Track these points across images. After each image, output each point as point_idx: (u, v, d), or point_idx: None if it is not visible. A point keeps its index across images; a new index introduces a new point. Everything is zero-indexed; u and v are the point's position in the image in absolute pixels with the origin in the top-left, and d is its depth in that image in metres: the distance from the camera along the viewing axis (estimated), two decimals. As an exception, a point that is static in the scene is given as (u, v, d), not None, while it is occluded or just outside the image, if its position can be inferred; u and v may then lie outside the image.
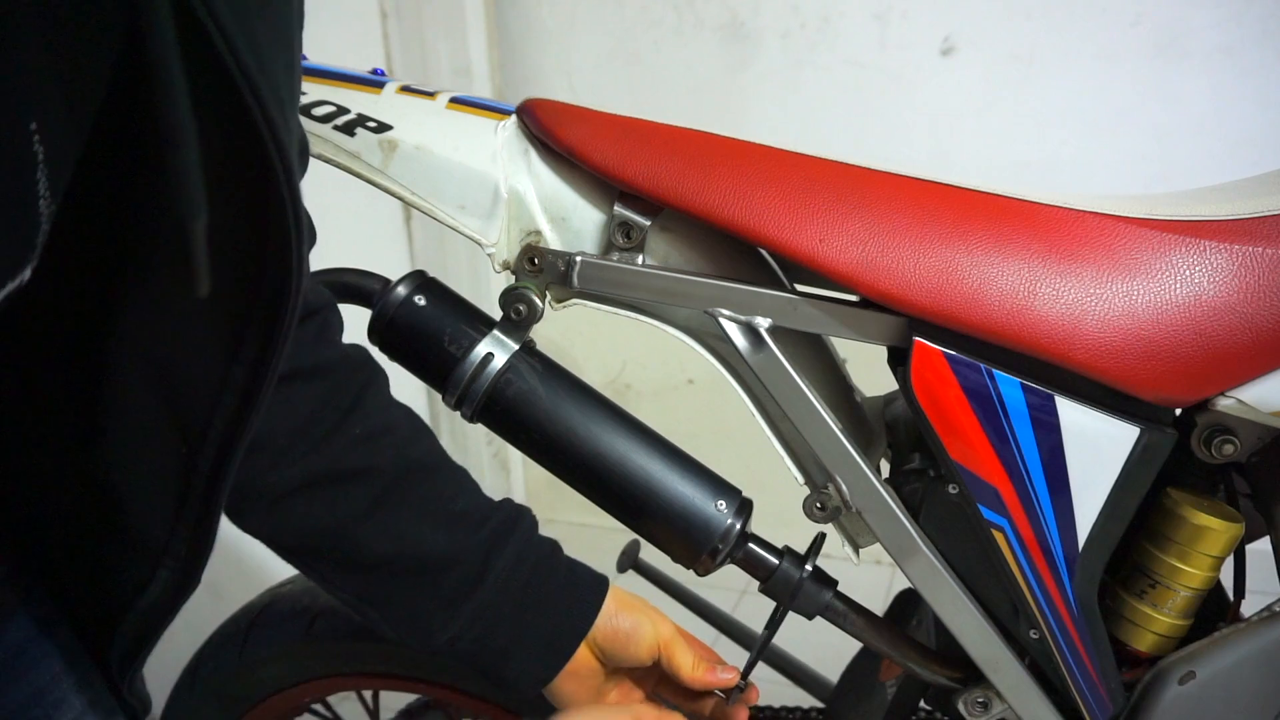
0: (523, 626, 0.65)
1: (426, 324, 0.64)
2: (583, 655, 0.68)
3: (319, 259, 0.60)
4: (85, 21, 0.31)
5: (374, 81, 0.65)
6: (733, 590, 1.75)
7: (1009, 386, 0.58)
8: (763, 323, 0.61)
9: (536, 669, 0.66)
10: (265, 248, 0.40)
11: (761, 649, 0.71)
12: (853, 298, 0.61)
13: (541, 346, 0.67)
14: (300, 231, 0.40)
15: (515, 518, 0.67)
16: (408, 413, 0.66)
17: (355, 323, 0.68)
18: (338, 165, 0.64)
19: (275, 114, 0.35)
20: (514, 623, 0.65)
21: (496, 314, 0.65)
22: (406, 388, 0.69)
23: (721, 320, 0.62)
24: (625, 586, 0.72)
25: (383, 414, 0.64)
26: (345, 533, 0.61)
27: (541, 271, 0.64)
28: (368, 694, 0.93)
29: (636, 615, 0.68)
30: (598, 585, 0.69)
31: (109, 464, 0.46)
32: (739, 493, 0.67)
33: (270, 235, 0.39)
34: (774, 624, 0.71)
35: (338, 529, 0.61)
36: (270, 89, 0.35)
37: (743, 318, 0.62)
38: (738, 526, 0.65)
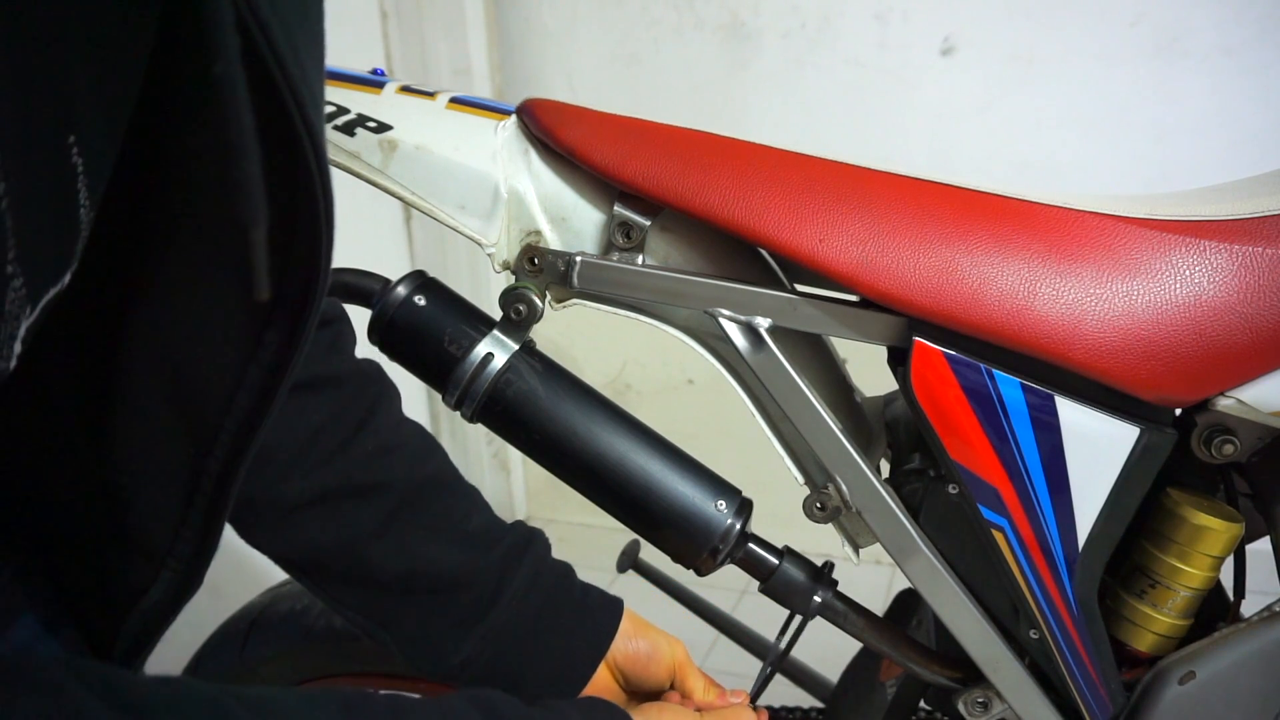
0: (537, 650, 0.64)
1: (426, 324, 0.64)
2: (604, 679, 0.67)
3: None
4: (121, 35, 0.32)
5: (374, 81, 0.65)
6: (733, 590, 1.75)
7: (1009, 386, 0.58)
8: (763, 323, 0.61)
9: (552, 695, 0.65)
10: (293, 248, 0.40)
11: (775, 667, 0.71)
12: (853, 298, 0.61)
13: (541, 346, 0.67)
14: (331, 234, 0.40)
15: (528, 540, 0.66)
16: (419, 430, 0.65)
17: (356, 324, 0.68)
18: (338, 165, 0.63)
19: (314, 119, 0.36)
20: (528, 646, 0.64)
21: (496, 314, 0.65)
22: (406, 387, 0.69)
23: (721, 320, 0.62)
24: (625, 586, 0.72)
25: (395, 430, 0.63)
26: (356, 549, 0.60)
27: (541, 271, 0.64)
28: (368, 694, 0.93)
29: (653, 636, 0.68)
30: (612, 608, 0.67)
31: (116, 465, 0.46)
32: (739, 493, 0.67)
33: (299, 236, 0.39)
34: (792, 640, 0.70)
35: (349, 545, 0.60)
36: (310, 95, 0.35)
37: (742, 318, 0.62)
38: (738, 526, 0.65)
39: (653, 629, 0.69)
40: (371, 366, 0.64)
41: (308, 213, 0.38)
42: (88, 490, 0.47)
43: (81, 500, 0.48)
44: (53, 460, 0.48)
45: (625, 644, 0.67)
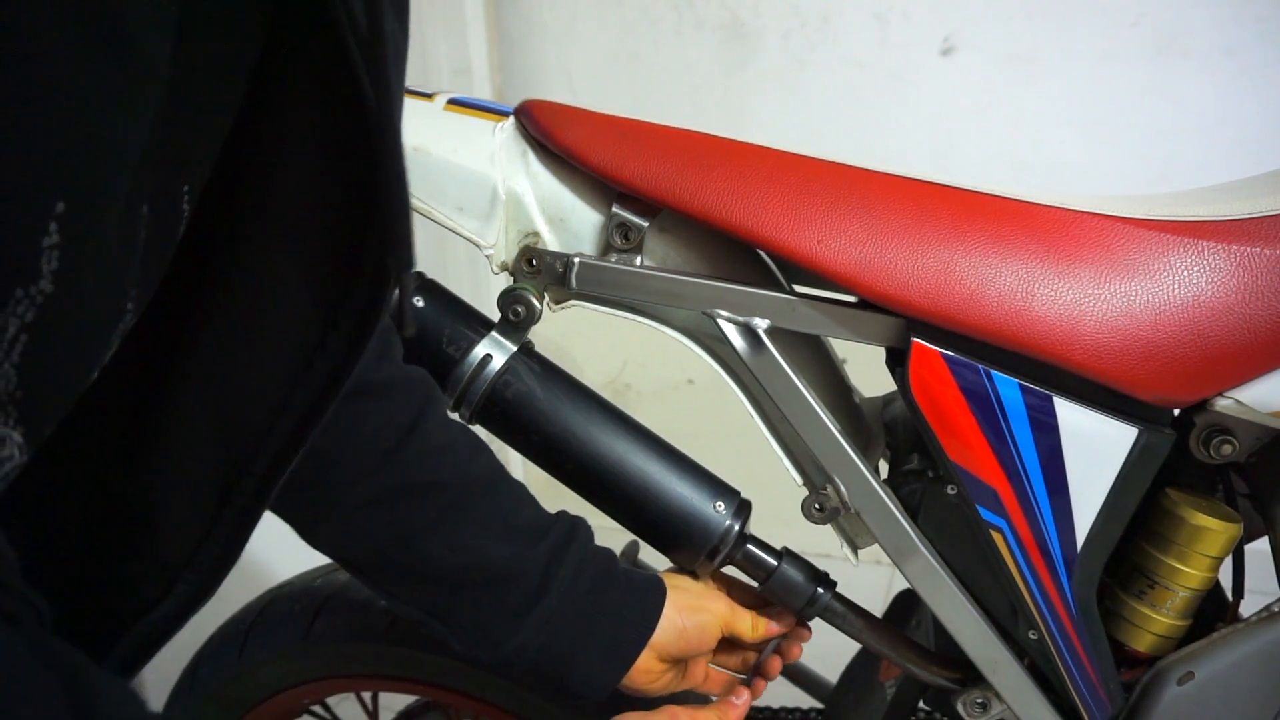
0: (587, 633, 0.65)
1: (425, 325, 0.64)
2: (650, 659, 0.67)
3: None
4: (231, 89, 0.34)
5: (372, 83, 0.65)
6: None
7: (1007, 387, 0.58)
8: (761, 324, 0.61)
9: (601, 674, 0.66)
10: (360, 270, 0.40)
11: (757, 668, 0.71)
12: (851, 298, 0.61)
13: (541, 347, 0.67)
14: (410, 266, 0.40)
15: (572, 529, 0.67)
16: (464, 430, 0.66)
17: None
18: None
19: (397, 154, 0.37)
20: (578, 630, 0.65)
21: (495, 315, 0.65)
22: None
23: (720, 321, 0.62)
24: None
25: (443, 432, 0.64)
26: (412, 545, 0.61)
27: (540, 273, 0.64)
28: (367, 695, 0.93)
29: (699, 615, 0.68)
30: (657, 589, 0.68)
31: (147, 483, 0.45)
32: (738, 494, 0.67)
33: (364, 266, 0.40)
34: (780, 639, 0.71)
35: (405, 542, 0.61)
36: (398, 124, 0.37)
37: (741, 319, 0.62)
38: (736, 528, 0.65)
39: (697, 606, 0.68)
40: (418, 371, 0.65)
41: (378, 239, 0.39)
42: (110, 505, 0.46)
43: (101, 514, 0.47)
44: (78, 474, 0.47)
45: (669, 625, 0.67)
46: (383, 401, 0.61)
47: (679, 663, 0.70)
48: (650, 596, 0.67)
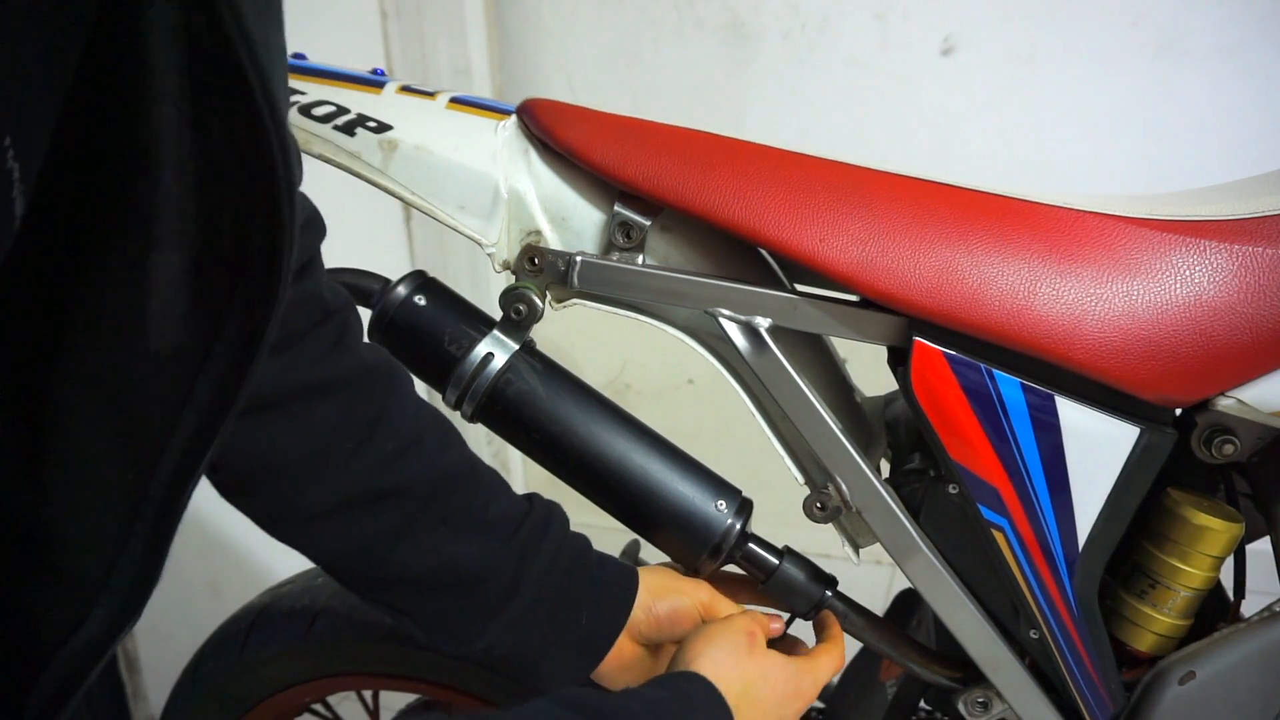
0: (556, 630, 0.64)
1: (427, 324, 0.64)
2: (628, 648, 0.67)
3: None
4: (57, 31, 0.30)
5: (374, 81, 0.65)
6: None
7: (1009, 386, 0.58)
8: (763, 323, 0.61)
9: (570, 670, 0.65)
10: (249, 254, 0.38)
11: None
12: (853, 298, 0.61)
13: (541, 346, 0.67)
14: (292, 239, 0.37)
15: (546, 519, 0.65)
16: (434, 416, 0.64)
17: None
18: (338, 165, 0.64)
19: (280, 104, 0.35)
20: (547, 627, 0.64)
21: (497, 314, 0.65)
22: (406, 387, 0.69)
23: (721, 320, 0.62)
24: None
25: (410, 425, 0.62)
26: (378, 553, 0.60)
27: (541, 271, 0.64)
28: (368, 694, 0.93)
29: (672, 597, 0.67)
30: (628, 581, 0.67)
31: (49, 500, 0.42)
32: (739, 493, 0.67)
33: (254, 241, 0.37)
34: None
35: (370, 550, 0.60)
36: (276, 79, 0.34)
37: (743, 318, 0.62)
38: (738, 526, 0.65)
39: (672, 587, 0.67)
40: (378, 358, 0.62)
41: (265, 214, 0.36)
42: (4, 524, 0.42)
43: None
44: None
45: (645, 614, 0.66)
46: (336, 399, 0.59)
47: (654, 648, 0.69)
48: (622, 589, 0.66)
